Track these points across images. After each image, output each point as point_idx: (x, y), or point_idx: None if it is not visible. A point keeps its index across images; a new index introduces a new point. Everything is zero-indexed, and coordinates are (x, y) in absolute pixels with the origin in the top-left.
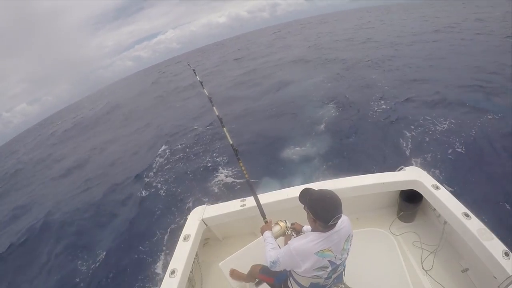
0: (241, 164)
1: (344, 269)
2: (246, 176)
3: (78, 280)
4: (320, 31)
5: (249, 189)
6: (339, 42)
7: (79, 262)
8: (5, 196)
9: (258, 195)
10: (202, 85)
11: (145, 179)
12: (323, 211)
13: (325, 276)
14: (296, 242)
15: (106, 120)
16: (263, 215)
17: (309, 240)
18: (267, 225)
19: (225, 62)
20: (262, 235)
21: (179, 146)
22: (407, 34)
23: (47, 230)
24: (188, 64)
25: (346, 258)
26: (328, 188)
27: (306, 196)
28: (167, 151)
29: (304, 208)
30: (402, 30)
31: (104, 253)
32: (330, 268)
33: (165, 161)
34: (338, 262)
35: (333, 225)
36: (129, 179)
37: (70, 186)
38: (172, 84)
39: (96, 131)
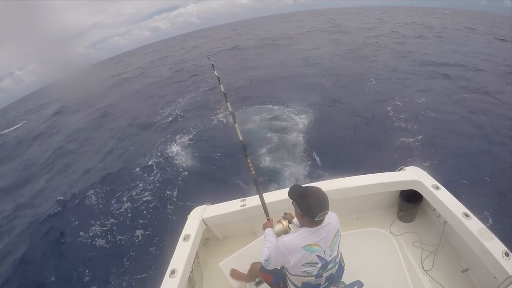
0: (248, 161)
1: (336, 267)
2: (253, 173)
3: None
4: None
5: (255, 186)
6: None
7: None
8: None
9: (262, 194)
10: (219, 80)
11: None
12: (310, 206)
13: (315, 273)
14: (285, 237)
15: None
16: (266, 212)
17: (297, 235)
18: (269, 222)
19: None
20: (264, 231)
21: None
22: None
23: None
24: (208, 58)
25: (337, 256)
26: (328, 188)
27: (295, 192)
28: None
29: (292, 203)
30: None
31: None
32: (319, 264)
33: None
34: (328, 259)
35: (320, 221)
36: None
37: None
38: None
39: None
